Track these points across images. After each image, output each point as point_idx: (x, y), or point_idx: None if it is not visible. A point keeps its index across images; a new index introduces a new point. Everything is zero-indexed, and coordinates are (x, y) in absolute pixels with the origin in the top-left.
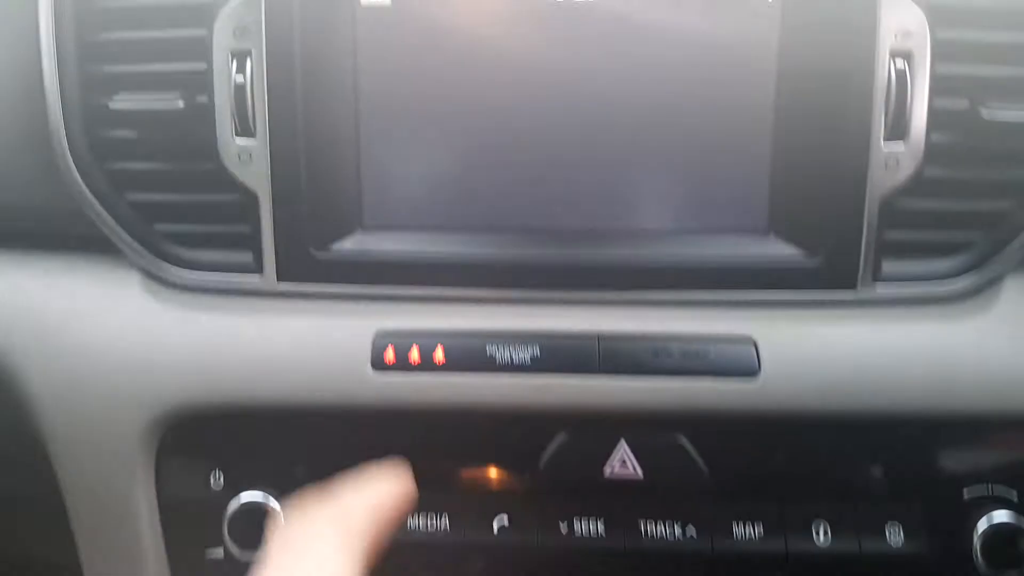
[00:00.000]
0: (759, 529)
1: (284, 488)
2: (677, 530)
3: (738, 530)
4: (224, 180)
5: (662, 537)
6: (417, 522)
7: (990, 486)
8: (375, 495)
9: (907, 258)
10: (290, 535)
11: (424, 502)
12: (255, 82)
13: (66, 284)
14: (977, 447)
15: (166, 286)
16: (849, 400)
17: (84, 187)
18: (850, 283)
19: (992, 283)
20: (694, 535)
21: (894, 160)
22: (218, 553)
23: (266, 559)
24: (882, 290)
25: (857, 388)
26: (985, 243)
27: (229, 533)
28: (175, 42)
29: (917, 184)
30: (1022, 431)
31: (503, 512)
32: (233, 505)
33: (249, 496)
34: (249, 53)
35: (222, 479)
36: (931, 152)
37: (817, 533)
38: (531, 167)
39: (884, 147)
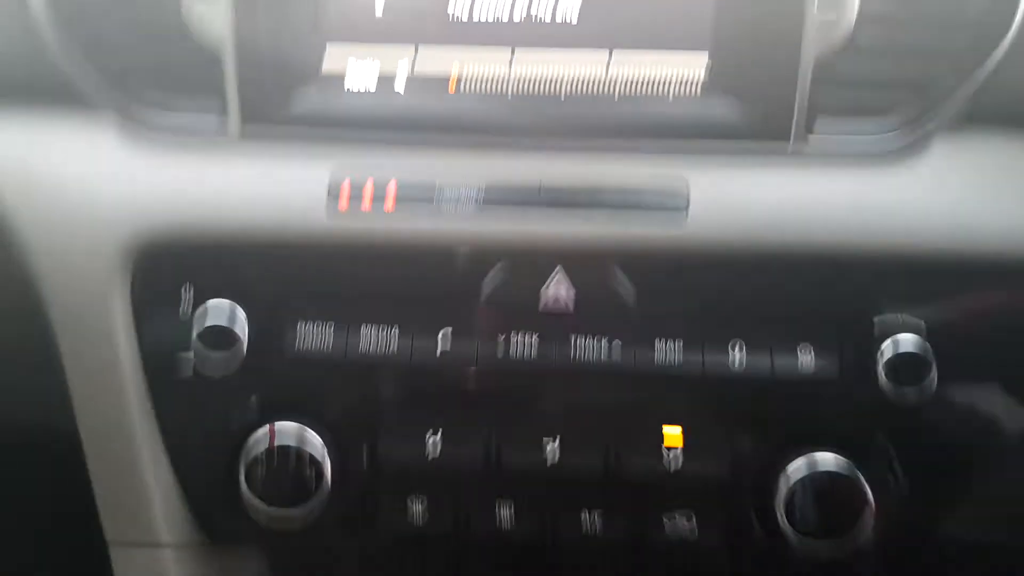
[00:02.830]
0: (679, 345)
1: (247, 299)
2: (604, 345)
3: (659, 345)
4: (189, 37)
5: (590, 352)
6: (368, 345)
7: (900, 316)
8: None
9: (840, 117)
10: None
11: (374, 321)
12: None
13: (49, 136)
14: (891, 283)
15: (139, 138)
16: (771, 238)
17: (61, 48)
18: (783, 135)
19: (920, 142)
20: (619, 351)
21: (827, 24)
22: (188, 356)
23: None
24: (814, 144)
25: (779, 227)
26: (914, 105)
27: (198, 337)
28: None
29: (851, 47)
30: (932, 270)
31: (446, 336)
32: (200, 312)
33: (215, 303)
34: None
35: (191, 292)
36: (864, 17)
37: (733, 350)
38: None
39: (818, 12)
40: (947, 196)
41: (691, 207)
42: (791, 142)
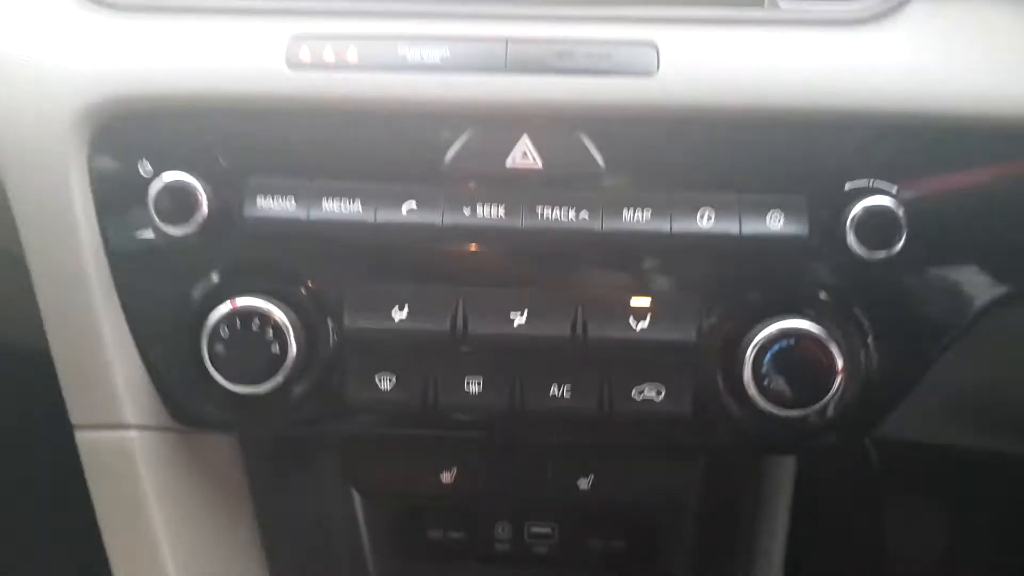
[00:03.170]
0: (647, 211)
1: (207, 167)
2: (571, 212)
3: (627, 212)
4: None
5: (557, 219)
6: (331, 212)
7: (870, 180)
8: None
9: None
10: None
11: (337, 189)
12: None
13: (5, 4)
14: (863, 145)
15: (98, 5)
16: (743, 100)
17: None
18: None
19: (896, 5)
20: (587, 217)
21: None
22: (147, 228)
23: None
24: (788, 7)
25: (751, 90)
26: None
27: (156, 206)
28: None
29: None
30: (903, 132)
31: (411, 199)
32: (157, 184)
33: (173, 173)
34: None
35: (150, 160)
36: None
37: (702, 218)
38: None
39: None
40: (921, 59)
41: (661, 70)
42: (765, 4)
